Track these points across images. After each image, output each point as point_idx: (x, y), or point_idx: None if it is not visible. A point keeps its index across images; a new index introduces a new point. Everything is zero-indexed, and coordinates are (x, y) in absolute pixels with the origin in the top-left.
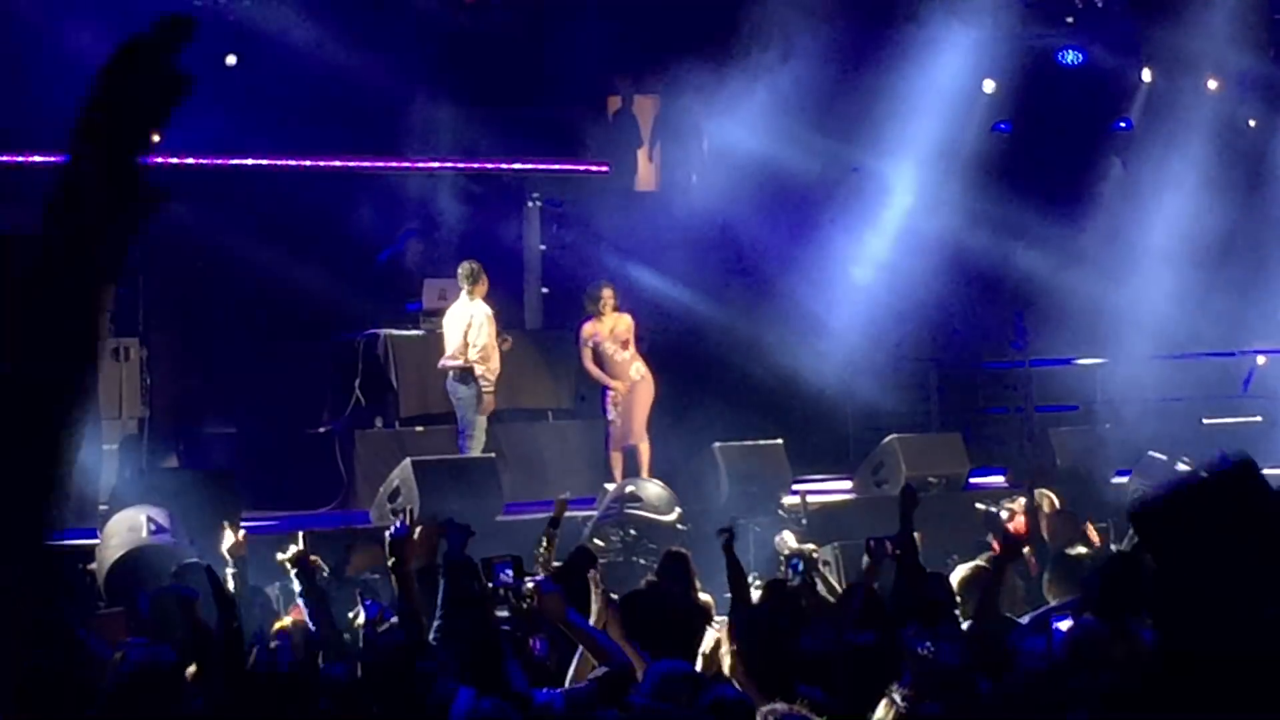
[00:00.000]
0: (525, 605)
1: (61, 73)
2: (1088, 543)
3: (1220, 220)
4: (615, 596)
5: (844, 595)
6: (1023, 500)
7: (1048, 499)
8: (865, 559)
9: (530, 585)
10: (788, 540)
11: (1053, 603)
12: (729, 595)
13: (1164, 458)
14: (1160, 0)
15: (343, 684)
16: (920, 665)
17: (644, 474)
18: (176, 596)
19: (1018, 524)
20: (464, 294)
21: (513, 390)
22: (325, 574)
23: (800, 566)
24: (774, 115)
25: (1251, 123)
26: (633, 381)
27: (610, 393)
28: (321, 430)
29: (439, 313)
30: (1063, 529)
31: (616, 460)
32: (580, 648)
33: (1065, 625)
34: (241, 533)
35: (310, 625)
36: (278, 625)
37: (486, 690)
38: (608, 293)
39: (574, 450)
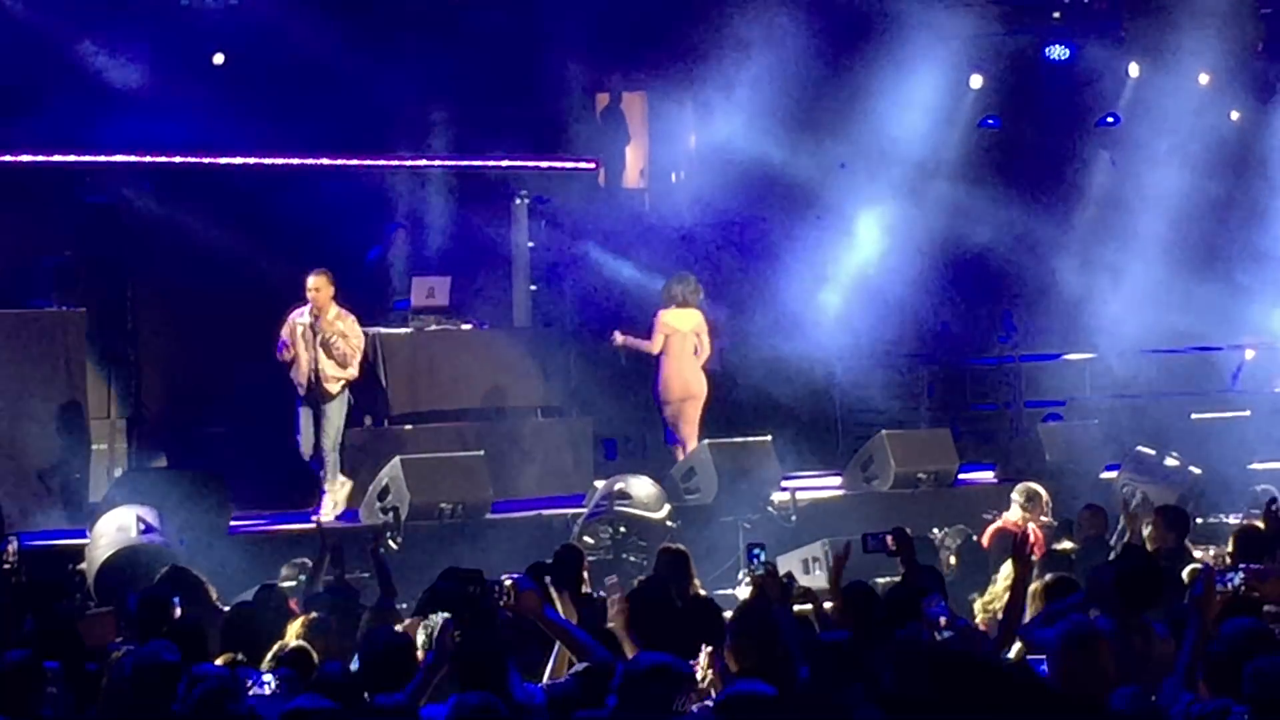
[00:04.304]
0: (502, 603)
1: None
2: (1073, 537)
3: (1208, 214)
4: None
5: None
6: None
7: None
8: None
9: (508, 583)
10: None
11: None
12: (720, 591)
13: (1153, 452)
14: None
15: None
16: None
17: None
18: (159, 598)
19: (1006, 523)
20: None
21: (501, 389)
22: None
23: (761, 556)
24: (761, 112)
25: (1238, 117)
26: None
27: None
28: None
29: (427, 310)
30: (1089, 524)
31: (681, 455)
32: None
33: None
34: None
35: None
36: (294, 621)
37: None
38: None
39: (562, 449)
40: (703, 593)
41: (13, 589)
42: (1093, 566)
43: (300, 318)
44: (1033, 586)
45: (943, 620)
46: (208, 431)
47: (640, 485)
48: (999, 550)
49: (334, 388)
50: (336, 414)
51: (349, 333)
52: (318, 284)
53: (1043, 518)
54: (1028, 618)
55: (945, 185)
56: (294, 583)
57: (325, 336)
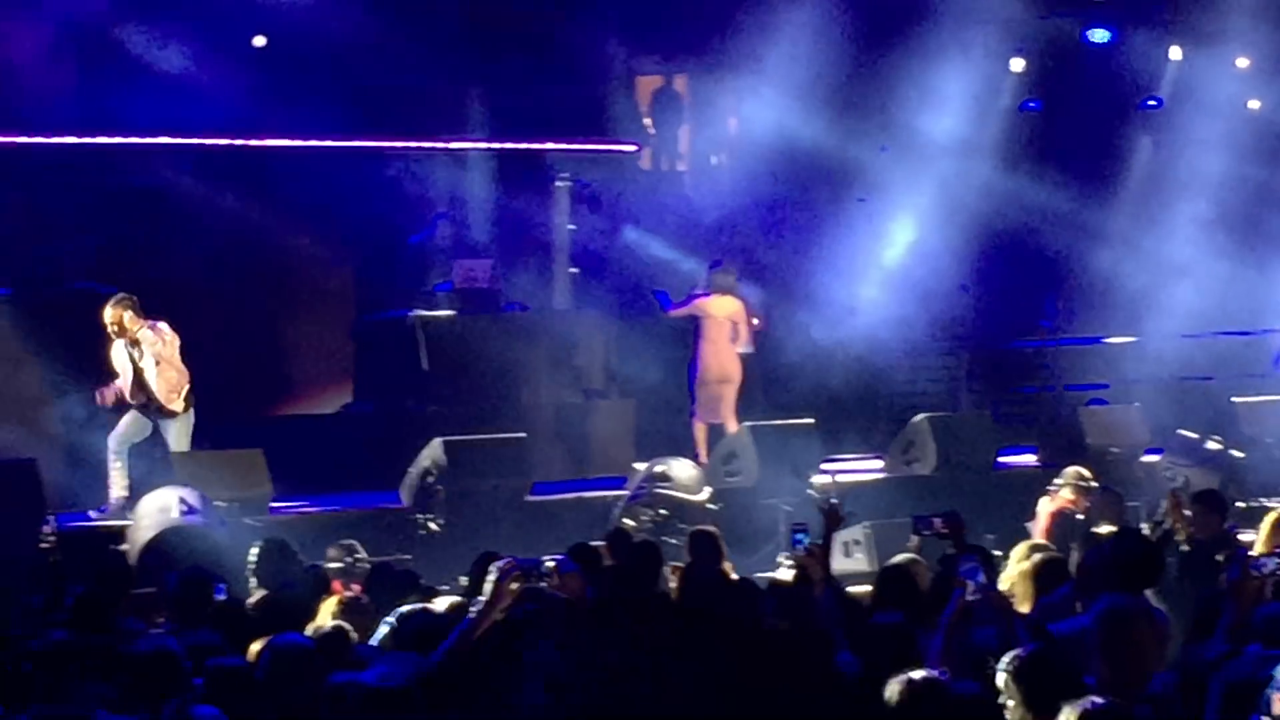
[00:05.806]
0: (546, 585)
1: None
2: (1116, 521)
3: (1251, 198)
4: None
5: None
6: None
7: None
8: (914, 539)
9: (550, 564)
10: None
11: None
12: (760, 574)
13: (1195, 436)
14: None
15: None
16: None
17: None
18: (200, 579)
19: (1064, 504)
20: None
21: (541, 371)
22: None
23: (804, 540)
24: (801, 96)
25: None
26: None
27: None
28: (351, 411)
29: (468, 293)
30: (1103, 509)
31: (700, 433)
32: None
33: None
34: None
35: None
36: (329, 600)
37: None
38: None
39: (604, 430)
40: (734, 576)
41: (49, 569)
42: (1083, 554)
43: (117, 354)
44: (1022, 568)
45: (970, 585)
46: (248, 412)
47: (681, 468)
48: (1061, 532)
49: (176, 405)
50: (179, 434)
51: (141, 339)
52: (110, 316)
53: (1087, 501)
54: (1021, 605)
55: (986, 168)
56: (339, 564)
57: (140, 357)
